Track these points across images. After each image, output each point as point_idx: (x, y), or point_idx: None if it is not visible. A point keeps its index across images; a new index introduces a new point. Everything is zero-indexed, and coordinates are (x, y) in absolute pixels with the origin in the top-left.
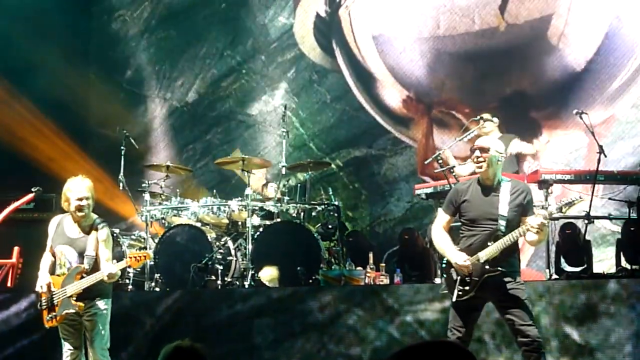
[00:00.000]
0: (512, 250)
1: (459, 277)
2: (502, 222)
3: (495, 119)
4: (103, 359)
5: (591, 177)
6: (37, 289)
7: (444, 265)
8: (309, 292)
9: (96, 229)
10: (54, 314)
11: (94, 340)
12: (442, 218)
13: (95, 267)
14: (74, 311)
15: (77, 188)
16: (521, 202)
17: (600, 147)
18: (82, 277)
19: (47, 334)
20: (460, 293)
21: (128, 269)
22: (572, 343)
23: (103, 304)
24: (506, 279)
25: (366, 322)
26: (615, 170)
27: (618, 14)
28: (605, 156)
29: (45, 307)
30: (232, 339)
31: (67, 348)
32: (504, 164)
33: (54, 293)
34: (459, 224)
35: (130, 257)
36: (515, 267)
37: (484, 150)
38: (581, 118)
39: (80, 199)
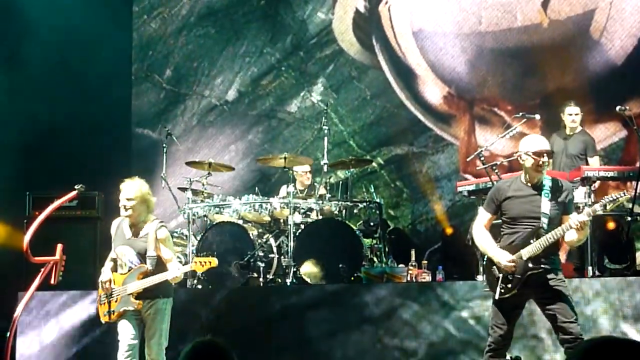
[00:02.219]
0: (554, 248)
1: (501, 275)
2: (545, 220)
3: (579, 111)
4: (159, 357)
5: (634, 174)
6: (99, 283)
7: (485, 263)
8: (364, 286)
9: (154, 230)
10: (112, 309)
11: (152, 338)
12: (483, 216)
13: (158, 267)
14: (132, 308)
15: (123, 189)
16: (563, 201)
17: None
18: (144, 277)
19: (108, 331)
20: (502, 291)
21: None
22: None
23: (162, 303)
24: (549, 276)
25: (421, 317)
26: None
27: None
28: None
29: (103, 302)
30: (285, 333)
31: (124, 344)
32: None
33: (113, 290)
34: (499, 221)
35: (196, 262)
36: (557, 264)
37: (549, 155)
38: (623, 113)
39: (124, 201)
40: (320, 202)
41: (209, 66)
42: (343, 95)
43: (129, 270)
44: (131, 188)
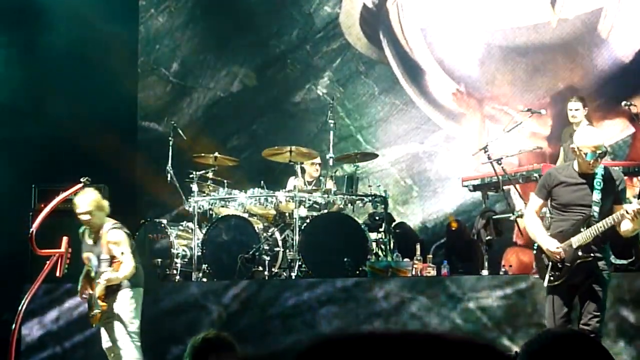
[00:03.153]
0: (604, 237)
1: (550, 263)
2: (596, 209)
3: (581, 106)
4: (120, 351)
5: (639, 169)
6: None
7: (534, 251)
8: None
9: (105, 232)
10: (90, 314)
11: (112, 333)
12: (534, 202)
13: (113, 268)
14: (99, 311)
15: (76, 205)
16: (614, 190)
17: None
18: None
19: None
20: (551, 278)
21: (176, 260)
22: (628, 325)
23: (121, 296)
24: (599, 264)
25: (429, 309)
26: None
27: None
28: None
29: (88, 308)
30: (297, 328)
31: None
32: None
33: (89, 295)
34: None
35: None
36: (607, 254)
37: (604, 154)
38: (629, 109)
39: (80, 214)
40: (326, 196)
41: (214, 59)
42: (350, 89)
43: (95, 275)
44: (83, 201)
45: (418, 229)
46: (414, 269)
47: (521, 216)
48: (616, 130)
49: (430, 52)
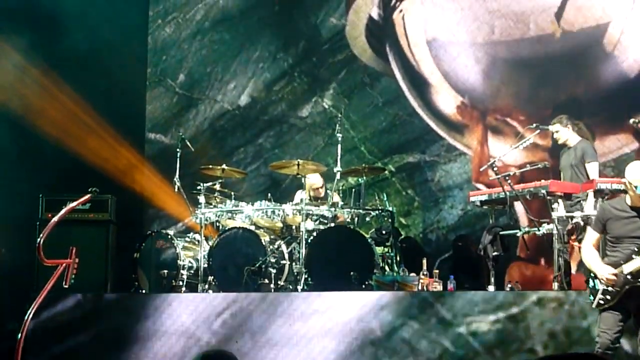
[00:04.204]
0: None
1: (601, 287)
2: None
3: (561, 127)
4: None
5: None
6: None
7: (590, 278)
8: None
9: None
10: None
11: None
12: (591, 236)
13: None
14: None
15: None
16: None
17: None
18: None
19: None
20: (601, 302)
21: (182, 272)
22: (624, 354)
23: None
24: None
25: (421, 335)
26: None
27: None
28: None
29: None
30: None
31: None
32: (576, 174)
33: None
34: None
35: None
36: None
37: None
38: (637, 126)
39: None
40: (333, 209)
41: (222, 71)
42: (355, 101)
43: None
44: None
45: (421, 241)
46: (420, 284)
47: (527, 232)
48: (620, 144)
49: (435, 65)
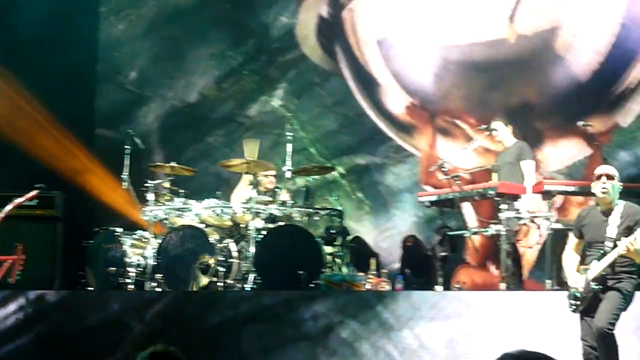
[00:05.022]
0: (621, 267)
1: (571, 293)
2: (609, 244)
3: (502, 126)
4: None
5: None
6: None
7: (565, 282)
8: (302, 300)
9: None
10: None
11: None
12: (571, 240)
13: None
14: None
15: None
16: (629, 225)
17: (604, 159)
18: None
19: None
20: (573, 306)
21: (130, 269)
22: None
23: None
24: (607, 294)
25: (360, 336)
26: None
27: (625, 22)
28: None
29: None
30: (221, 346)
31: None
32: (510, 172)
33: None
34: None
35: None
36: (623, 281)
37: (610, 177)
38: (586, 129)
39: None
40: (283, 208)
41: (172, 68)
42: (304, 101)
43: None
44: None
45: (371, 242)
46: (368, 283)
47: (476, 233)
48: (572, 150)
49: (385, 65)
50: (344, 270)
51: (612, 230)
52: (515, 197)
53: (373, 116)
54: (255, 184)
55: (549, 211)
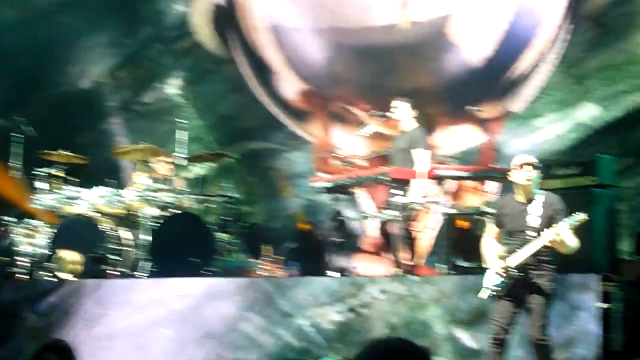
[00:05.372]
0: (542, 256)
1: (493, 279)
2: (533, 234)
3: (406, 107)
4: None
5: (485, 174)
6: None
7: (485, 268)
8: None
9: None
10: None
11: None
12: (490, 229)
13: None
14: None
15: None
16: (551, 215)
17: (495, 144)
18: None
19: None
20: (492, 294)
21: (21, 258)
22: (462, 347)
23: None
24: (534, 281)
25: (262, 328)
26: (509, 168)
27: (517, 11)
28: (499, 153)
29: None
30: (129, 349)
31: None
32: (405, 158)
33: None
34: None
35: None
36: (543, 272)
37: (534, 167)
38: (476, 115)
39: None
40: (178, 196)
41: (66, 56)
42: (200, 88)
43: None
44: None
45: (265, 228)
46: (262, 270)
47: (369, 218)
48: (465, 135)
49: (279, 51)
50: (238, 257)
51: (534, 219)
52: (409, 183)
53: (267, 103)
54: (150, 172)
55: (442, 197)
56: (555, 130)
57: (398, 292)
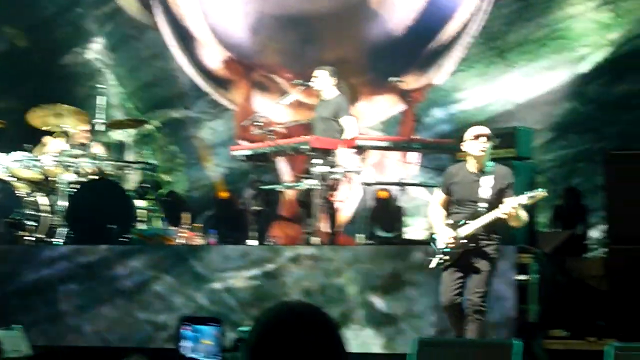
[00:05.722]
0: (492, 227)
1: (441, 249)
2: (483, 205)
3: (326, 76)
4: None
5: (406, 145)
6: None
7: (433, 237)
8: (117, 256)
9: None
10: None
11: None
12: (437, 195)
13: None
14: None
15: None
16: (501, 187)
17: (416, 115)
18: None
19: None
20: (440, 262)
21: None
22: (377, 312)
23: None
24: (484, 250)
25: (174, 289)
26: (429, 139)
27: None
28: (420, 124)
29: None
30: (37, 305)
31: None
32: (326, 127)
33: None
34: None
35: None
36: (492, 243)
37: (489, 138)
38: (397, 86)
39: None
40: (96, 161)
41: None
42: (121, 54)
43: None
44: None
45: (185, 196)
46: (181, 238)
47: (289, 187)
48: (387, 106)
49: (202, 19)
50: (157, 224)
51: (485, 191)
52: (329, 152)
53: (189, 71)
54: (67, 137)
55: (363, 166)
56: (475, 101)
57: (313, 257)
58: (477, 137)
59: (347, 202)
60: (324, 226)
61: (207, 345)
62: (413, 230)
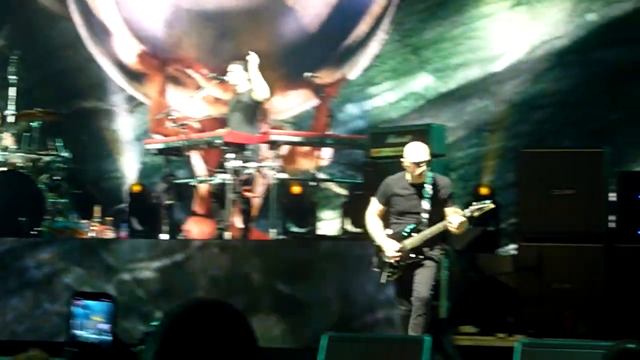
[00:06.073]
0: (434, 239)
1: (387, 261)
2: (425, 216)
3: (240, 70)
4: None
5: (319, 140)
6: None
7: (375, 249)
8: (27, 248)
9: None
10: None
11: None
12: (374, 206)
13: None
14: None
15: None
16: (441, 198)
17: (330, 110)
18: None
19: None
20: (389, 275)
21: None
22: (283, 300)
23: None
24: (424, 263)
25: (84, 281)
26: (343, 135)
27: None
28: (334, 119)
29: None
30: None
31: None
32: (241, 120)
33: None
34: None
35: None
36: (435, 252)
37: (428, 163)
38: (312, 80)
39: None
40: (5, 153)
41: None
42: (30, 43)
43: None
44: None
45: (96, 189)
46: (92, 231)
47: (202, 181)
48: (300, 100)
49: (116, 11)
50: (68, 217)
51: (425, 203)
52: (243, 147)
53: (103, 63)
54: None
55: (274, 161)
56: (389, 98)
57: (220, 246)
58: (417, 164)
59: (259, 197)
60: (237, 221)
61: (97, 322)
62: (325, 224)
